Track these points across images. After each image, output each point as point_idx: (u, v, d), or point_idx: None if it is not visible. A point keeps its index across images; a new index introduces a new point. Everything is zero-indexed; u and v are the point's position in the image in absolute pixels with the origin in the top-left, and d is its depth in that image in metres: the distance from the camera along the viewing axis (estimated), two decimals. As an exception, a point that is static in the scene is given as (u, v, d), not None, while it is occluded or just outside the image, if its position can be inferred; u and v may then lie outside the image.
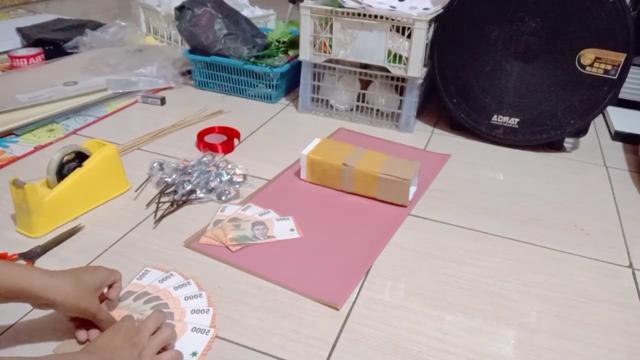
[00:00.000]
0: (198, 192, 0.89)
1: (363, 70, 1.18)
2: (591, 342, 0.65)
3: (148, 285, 0.69)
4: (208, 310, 0.65)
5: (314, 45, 1.18)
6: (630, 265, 0.80)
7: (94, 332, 0.60)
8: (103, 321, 0.59)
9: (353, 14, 1.09)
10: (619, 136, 1.24)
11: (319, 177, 0.95)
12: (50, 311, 0.64)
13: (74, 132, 1.12)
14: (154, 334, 0.57)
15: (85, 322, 0.59)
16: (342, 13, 1.10)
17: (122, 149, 1.03)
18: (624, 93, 1.32)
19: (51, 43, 1.53)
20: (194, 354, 0.59)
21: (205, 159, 0.97)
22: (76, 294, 0.56)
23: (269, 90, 1.30)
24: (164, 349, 0.57)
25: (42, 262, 0.73)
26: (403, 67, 1.12)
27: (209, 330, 0.62)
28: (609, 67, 1.02)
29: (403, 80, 1.15)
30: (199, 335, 0.61)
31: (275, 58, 1.30)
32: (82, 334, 0.59)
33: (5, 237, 0.78)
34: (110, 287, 0.63)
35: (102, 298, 0.62)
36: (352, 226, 0.84)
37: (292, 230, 0.82)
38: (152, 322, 0.58)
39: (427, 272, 0.75)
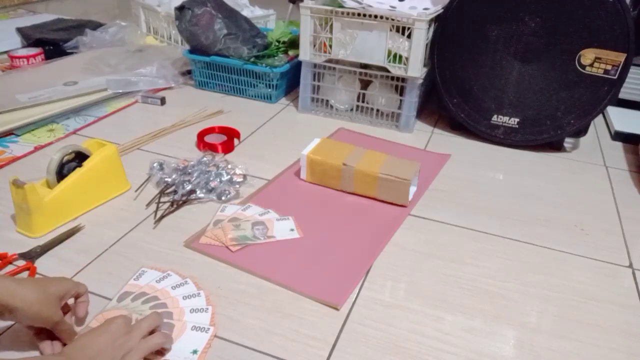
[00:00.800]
0: (198, 192, 0.89)
1: (363, 70, 1.18)
2: (591, 342, 0.65)
3: (145, 285, 0.69)
4: (207, 309, 0.65)
5: (314, 45, 1.18)
6: (630, 265, 0.80)
7: (57, 345, 0.58)
8: (65, 332, 0.57)
9: (353, 14, 1.09)
10: (619, 136, 1.24)
11: (319, 177, 0.95)
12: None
13: (74, 132, 1.12)
14: (147, 336, 0.56)
15: (49, 334, 0.58)
16: (342, 13, 1.10)
17: (122, 149, 1.03)
18: (624, 93, 1.32)
19: (51, 43, 1.53)
20: (195, 351, 0.59)
21: (205, 159, 0.97)
22: (40, 301, 0.54)
23: (269, 90, 1.30)
24: (158, 353, 0.57)
25: (42, 262, 0.73)
26: (403, 67, 1.12)
27: (208, 329, 0.62)
28: (609, 67, 1.02)
29: (403, 80, 1.15)
30: (199, 334, 0.62)
31: (275, 58, 1.30)
32: (47, 347, 0.58)
33: (5, 237, 0.78)
34: (76, 300, 0.62)
35: (66, 311, 0.61)
36: (352, 226, 0.84)
37: (292, 230, 0.82)
38: (146, 325, 0.57)
39: (427, 272, 0.75)
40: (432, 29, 1.12)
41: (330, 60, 1.19)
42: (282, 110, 1.29)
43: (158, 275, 0.71)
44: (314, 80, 1.24)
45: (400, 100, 1.18)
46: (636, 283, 0.76)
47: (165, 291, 0.68)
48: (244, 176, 0.95)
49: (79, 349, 0.52)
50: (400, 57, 1.12)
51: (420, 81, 1.15)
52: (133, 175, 0.93)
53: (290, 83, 1.37)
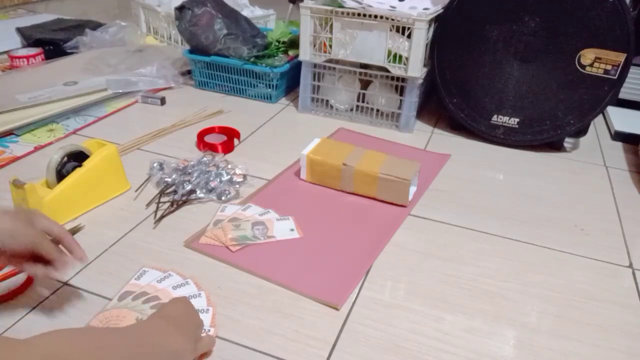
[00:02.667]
0: (198, 192, 0.89)
1: (363, 70, 1.18)
2: (591, 342, 0.65)
3: (146, 285, 0.69)
4: (208, 309, 0.65)
5: (314, 45, 1.18)
6: (630, 265, 0.80)
7: (50, 269, 0.57)
8: (51, 250, 0.56)
9: (353, 14, 1.09)
10: (619, 136, 1.24)
11: (319, 177, 0.95)
12: (51, 310, 0.64)
13: (74, 132, 1.12)
14: None
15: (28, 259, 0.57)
16: (342, 13, 1.10)
17: (122, 149, 1.03)
18: (624, 93, 1.32)
19: (51, 43, 1.53)
20: None
21: (205, 159, 0.97)
22: (12, 219, 0.53)
23: (269, 90, 1.30)
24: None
25: (42, 262, 0.73)
26: (403, 67, 1.12)
27: (209, 330, 0.62)
28: (609, 67, 1.02)
29: (403, 80, 1.15)
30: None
31: (275, 58, 1.30)
32: (36, 268, 0.56)
33: (5, 237, 0.78)
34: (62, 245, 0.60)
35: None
36: (352, 226, 0.84)
37: (292, 230, 0.82)
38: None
39: (427, 272, 0.75)
40: (432, 29, 1.12)
41: (330, 60, 1.19)
42: (282, 110, 1.29)
43: (159, 275, 0.71)
44: (314, 80, 1.24)
45: (400, 100, 1.18)
46: (636, 283, 0.76)
47: (166, 291, 0.68)
48: (244, 176, 0.95)
49: (167, 315, 0.55)
50: (400, 57, 1.12)
51: (420, 81, 1.15)
52: (133, 175, 0.93)
53: (290, 83, 1.37)
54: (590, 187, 1.01)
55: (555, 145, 1.16)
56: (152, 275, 0.70)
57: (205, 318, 0.64)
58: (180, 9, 1.27)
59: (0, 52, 1.52)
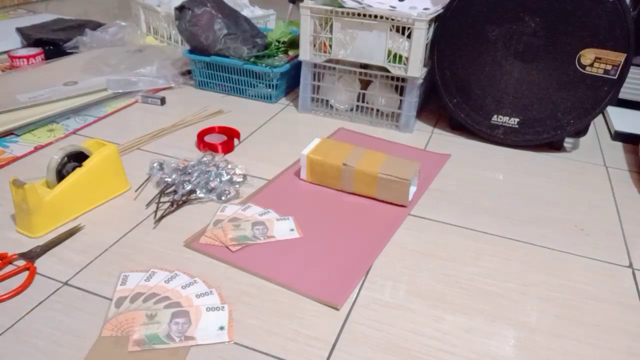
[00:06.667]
0: (198, 192, 0.89)
1: (363, 70, 1.18)
2: (591, 342, 0.65)
3: (136, 286, 0.69)
4: (223, 307, 0.66)
5: (314, 45, 1.18)
6: (630, 265, 0.80)
7: None
8: None
9: (353, 14, 1.09)
10: (619, 136, 1.24)
11: (319, 177, 0.95)
12: (51, 310, 0.64)
13: (74, 132, 1.12)
14: None
15: None
16: (342, 13, 1.10)
17: (122, 149, 1.03)
18: (624, 93, 1.32)
19: (51, 43, 1.53)
20: (222, 327, 0.62)
21: (205, 159, 0.98)
22: None
23: (269, 90, 1.31)
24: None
25: (42, 262, 0.73)
26: (403, 67, 1.12)
27: (223, 307, 0.64)
28: (609, 67, 1.02)
29: (403, 80, 1.15)
30: (217, 313, 0.64)
31: (275, 58, 1.30)
32: None
33: (5, 237, 0.78)
34: None
35: None
36: (352, 226, 0.84)
37: (292, 230, 0.82)
38: None
39: (427, 272, 0.75)
40: (432, 29, 1.12)
41: (330, 60, 1.19)
42: (282, 110, 1.29)
43: (144, 276, 0.71)
44: (314, 80, 1.24)
45: (400, 100, 1.18)
46: (636, 283, 0.76)
47: (160, 287, 0.68)
48: (244, 176, 0.95)
49: None
50: (400, 57, 1.12)
51: (420, 81, 1.15)
52: (133, 175, 0.93)
53: (290, 83, 1.37)
54: (590, 187, 1.01)
55: (555, 145, 1.16)
56: (137, 277, 0.70)
57: (222, 316, 0.64)
58: (180, 9, 1.27)
59: (0, 52, 1.52)
